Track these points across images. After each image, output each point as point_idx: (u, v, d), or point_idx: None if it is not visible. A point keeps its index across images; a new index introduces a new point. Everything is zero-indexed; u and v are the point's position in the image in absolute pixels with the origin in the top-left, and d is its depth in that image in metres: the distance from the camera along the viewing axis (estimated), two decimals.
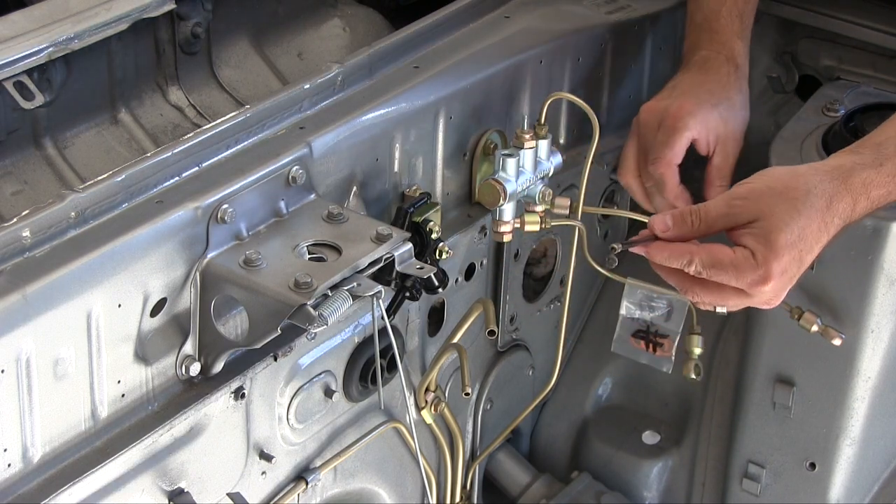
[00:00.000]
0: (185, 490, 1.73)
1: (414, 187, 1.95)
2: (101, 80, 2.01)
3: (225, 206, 1.66)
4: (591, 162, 2.03)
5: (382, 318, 1.77)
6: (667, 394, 2.40)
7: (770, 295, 1.75)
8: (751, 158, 2.16)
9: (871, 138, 1.82)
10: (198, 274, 1.66)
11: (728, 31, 2.15)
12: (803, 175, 1.76)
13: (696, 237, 1.76)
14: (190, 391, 1.71)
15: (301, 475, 1.93)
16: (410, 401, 2.05)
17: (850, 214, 1.76)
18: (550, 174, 2.02)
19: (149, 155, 1.67)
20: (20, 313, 1.48)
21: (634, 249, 1.78)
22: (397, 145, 1.92)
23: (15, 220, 1.53)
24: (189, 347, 1.69)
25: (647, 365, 2.11)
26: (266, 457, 1.86)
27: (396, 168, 1.93)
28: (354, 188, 1.87)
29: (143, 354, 1.65)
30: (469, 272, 2.11)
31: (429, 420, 2.07)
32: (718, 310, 1.83)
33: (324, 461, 1.96)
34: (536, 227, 2.01)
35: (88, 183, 1.60)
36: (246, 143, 1.77)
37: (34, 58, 1.83)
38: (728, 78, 2.11)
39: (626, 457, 2.39)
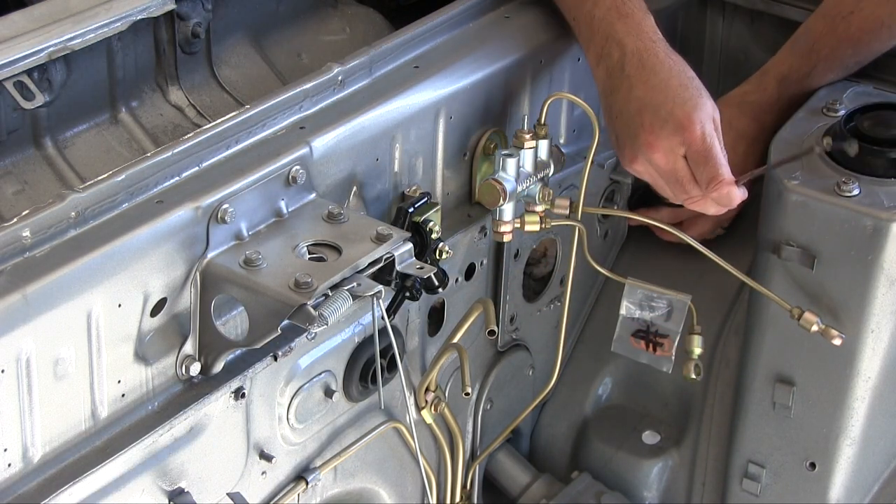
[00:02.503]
0: (185, 490, 1.73)
1: (414, 187, 1.95)
2: (101, 80, 2.01)
3: (225, 206, 1.66)
4: (591, 162, 2.03)
5: (382, 318, 1.77)
6: (667, 394, 2.40)
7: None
8: None
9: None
10: (198, 274, 1.66)
11: (639, 13, 1.99)
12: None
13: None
14: (190, 391, 1.71)
15: (301, 475, 1.93)
16: (410, 401, 2.04)
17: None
18: (550, 174, 2.02)
19: (149, 155, 1.67)
20: (20, 313, 1.48)
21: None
22: (397, 145, 1.92)
23: (15, 220, 1.53)
24: (189, 347, 1.69)
25: (647, 365, 2.11)
26: (266, 457, 1.86)
27: (396, 168, 1.93)
28: (354, 188, 1.87)
29: (143, 354, 1.65)
30: (469, 272, 2.11)
31: (429, 420, 2.07)
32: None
33: (324, 461, 1.96)
34: (536, 227, 2.01)
35: (88, 183, 1.60)
36: (246, 143, 1.77)
37: (34, 58, 1.83)
38: (674, 56, 1.97)
39: (626, 457, 2.39)
